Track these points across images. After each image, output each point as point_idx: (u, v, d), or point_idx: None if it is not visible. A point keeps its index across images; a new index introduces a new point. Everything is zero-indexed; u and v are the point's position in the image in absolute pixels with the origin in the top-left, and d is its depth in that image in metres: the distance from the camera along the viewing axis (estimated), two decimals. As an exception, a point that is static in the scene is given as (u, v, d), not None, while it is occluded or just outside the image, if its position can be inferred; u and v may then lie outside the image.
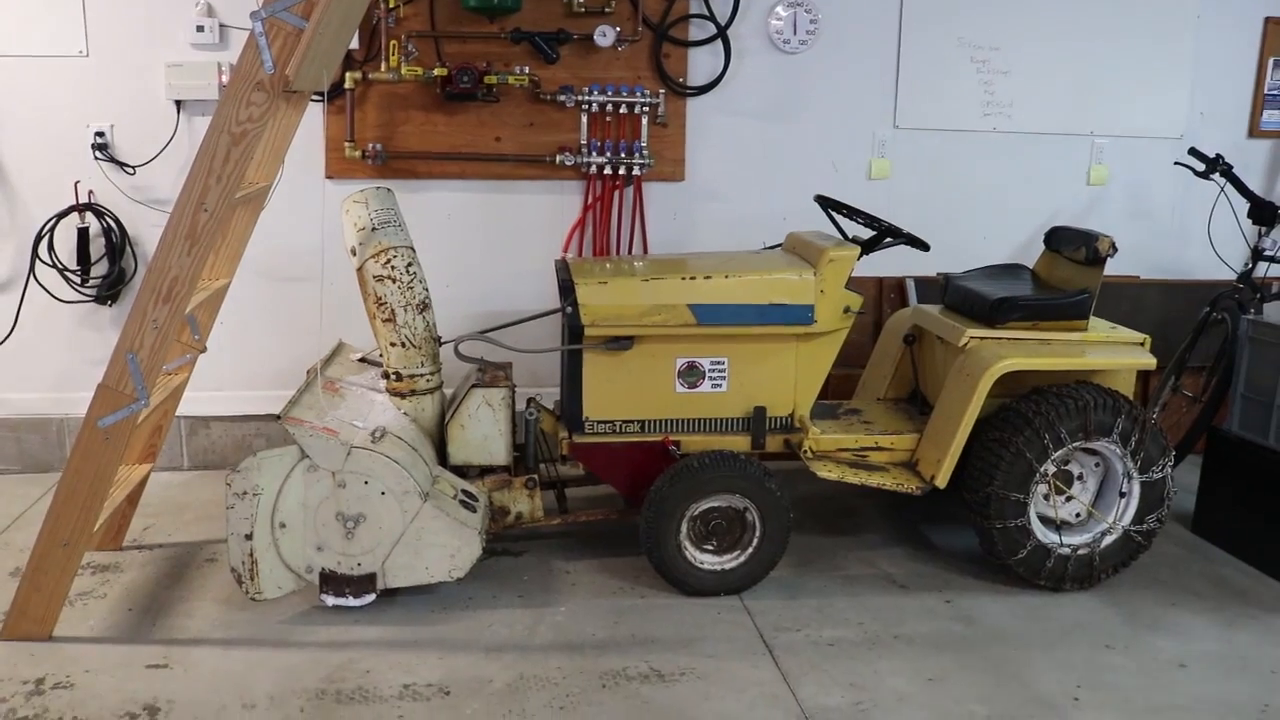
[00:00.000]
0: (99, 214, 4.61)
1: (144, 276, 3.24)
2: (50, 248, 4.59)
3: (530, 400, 3.99)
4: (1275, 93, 5.41)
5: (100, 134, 4.59)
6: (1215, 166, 4.79)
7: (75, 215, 4.59)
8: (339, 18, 3.37)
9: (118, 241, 4.64)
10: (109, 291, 4.67)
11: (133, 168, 4.62)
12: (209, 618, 3.50)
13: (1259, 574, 3.99)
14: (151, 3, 4.57)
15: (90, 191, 4.61)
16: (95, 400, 3.25)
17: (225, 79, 4.58)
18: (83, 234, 4.61)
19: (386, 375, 3.84)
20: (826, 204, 4.19)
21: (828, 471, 3.84)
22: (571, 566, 3.94)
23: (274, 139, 3.57)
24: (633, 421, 3.90)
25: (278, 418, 3.48)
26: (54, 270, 4.61)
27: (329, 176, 4.78)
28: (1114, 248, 4.01)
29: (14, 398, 4.78)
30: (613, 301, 3.75)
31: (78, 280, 4.64)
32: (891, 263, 4.72)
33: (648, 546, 3.72)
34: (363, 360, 4.21)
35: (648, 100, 4.85)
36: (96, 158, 4.59)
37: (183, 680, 3.13)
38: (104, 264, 4.66)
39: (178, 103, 4.62)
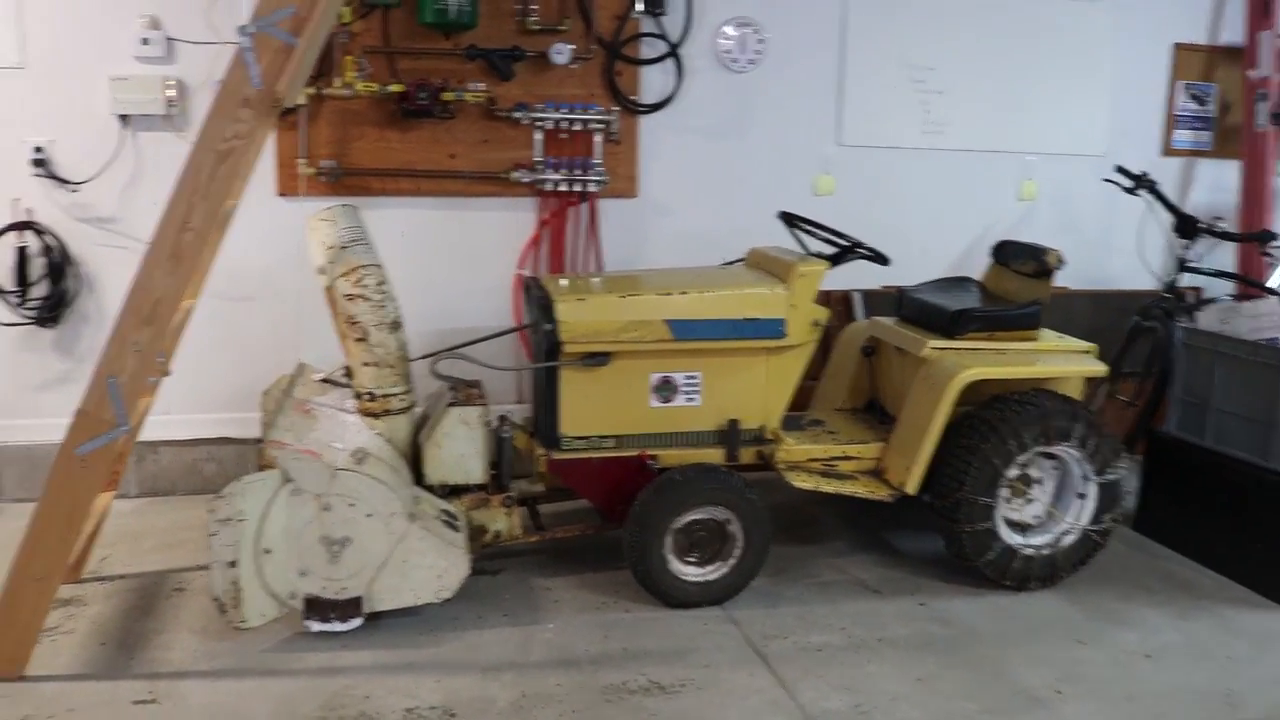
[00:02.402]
0: (39, 232, 4.44)
1: (125, 298, 3.15)
2: (-13, 268, 4.41)
3: (502, 418, 3.99)
4: (1184, 114, 5.75)
5: (39, 149, 4.41)
6: (1142, 183, 5.06)
7: (13, 234, 4.41)
8: (321, 33, 3.34)
9: (59, 261, 4.46)
10: (49, 314, 4.49)
11: (75, 185, 4.46)
12: (189, 649, 3.40)
13: (1200, 567, 4.23)
14: (92, 14, 4.43)
15: (29, 209, 4.43)
16: (73, 427, 3.14)
17: (173, 94, 4.47)
18: (21, 253, 4.42)
19: (359, 395, 3.79)
20: (791, 220, 4.29)
21: (803, 481, 3.92)
22: (551, 583, 3.94)
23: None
24: (608, 437, 3.92)
25: (260, 441, 3.41)
26: (-8, 291, 4.43)
27: (281, 194, 4.68)
28: (1061, 261, 4.21)
29: (-53, 425, 4.56)
30: (592, 318, 3.77)
31: (16, 302, 4.45)
32: (836, 276, 4.84)
33: (632, 560, 3.74)
34: (326, 381, 4.14)
35: (601, 117, 4.89)
36: (36, 174, 4.41)
37: (173, 715, 3.03)
38: (44, 285, 4.47)
39: (122, 117, 4.47)
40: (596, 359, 3.83)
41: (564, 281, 4.06)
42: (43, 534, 3.14)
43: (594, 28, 4.86)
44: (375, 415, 3.75)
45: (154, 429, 4.61)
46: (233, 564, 3.32)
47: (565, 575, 4.00)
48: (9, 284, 4.43)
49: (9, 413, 4.55)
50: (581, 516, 4.21)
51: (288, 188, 4.69)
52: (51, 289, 4.47)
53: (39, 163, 4.41)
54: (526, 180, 4.87)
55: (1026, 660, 3.47)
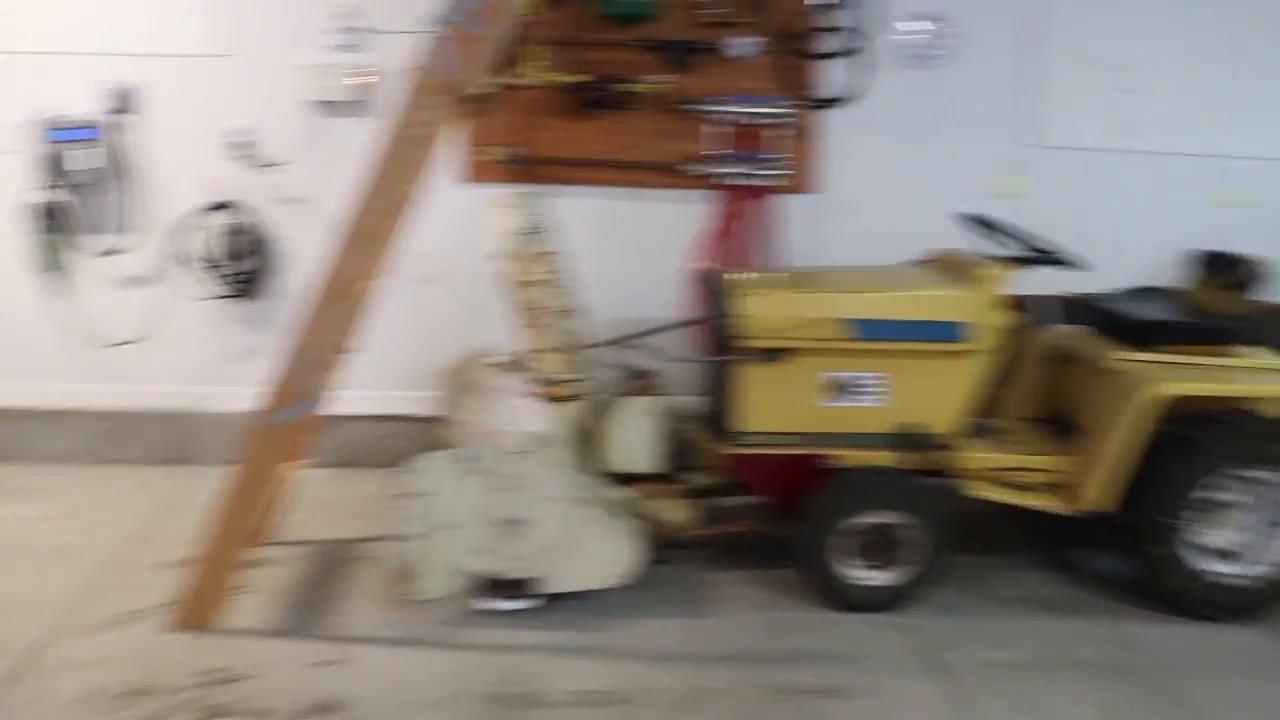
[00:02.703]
0: (238, 211, 4.66)
1: (317, 277, 3.27)
2: (190, 245, 4.65)
3: (677, 410, 3.98)
4: None
5: (241, 133, 4.63)
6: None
7: (215, 213, 4.65)
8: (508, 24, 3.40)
9: (257, 239, 4.69)
10: (246, 289, 4.72)
11: (273, 166, 4.67)
12: (369, 616, 3.52)
13: None
14: (293, 4, 4.62)
15: (230, 189, 4.66)
16: (265, 398, 3.29)
17: (366, 81, 4.62)
18: (222, 231, 4.66)
19: (536, 380, 3.84)
20: (978, 222, 4.15)
21: (981, 490, 3.79)
22: (721, 577, 3.92)
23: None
24: (784, 434, 3.85)
25: (438, 420, 3.49)
26: (193, 266, 4.67)
27: (464, 180, 4.80)
28: (1266, 272, 3.95)
29: (151, 390, 4.84)
30: (772, 314, 3.72)
31: (216, 277, 4.69)
32: (1022, 281, 4.67)
33: (803, 560, 3.69)
34: (504, 364, 4.21)
35: (780, 111, 4.83)
36: (237, 156, 4.64)
37: (352, 679, 3.15)
38: (242, 261, 4.70)
39: (318, 103, 4.66)
40: (774, 355, 3.78)
41: (745, 276, 4.03)
42: (236, 497, 3.30)
43: (772, 21, 4.81)
44: (551, 400, 3.81)
45: (340, 403, 4.81)
46: (414, 538, 3.41)
47: (735, 570, 3.97)
48: (211, 260, 4.67)
49: (208, 380, 4.81)
50: (754, 512, 4.16)
51: (471, 174, 4.80)
52: (249, 265, 4.70)
53: (241, 145, 4.63)
54: (701, 173, 4.85)
55: (1222, 696, 3.26)
